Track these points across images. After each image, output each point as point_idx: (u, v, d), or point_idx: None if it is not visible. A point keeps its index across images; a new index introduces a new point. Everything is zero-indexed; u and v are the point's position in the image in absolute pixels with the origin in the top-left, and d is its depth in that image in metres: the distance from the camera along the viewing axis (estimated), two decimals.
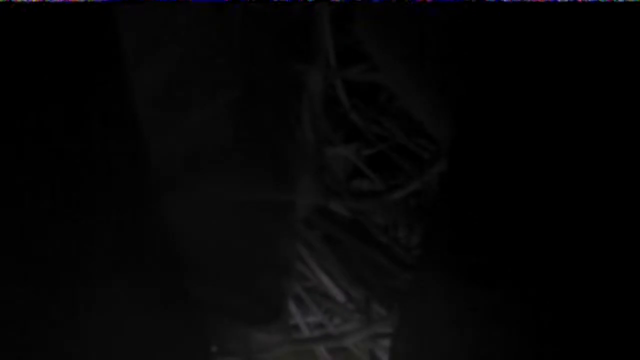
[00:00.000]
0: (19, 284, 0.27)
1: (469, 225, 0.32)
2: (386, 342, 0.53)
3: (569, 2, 0.30)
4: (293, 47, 0.49)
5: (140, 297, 0.30)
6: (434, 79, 0.41)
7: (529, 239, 0.29)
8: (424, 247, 0.36)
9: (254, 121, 0.47)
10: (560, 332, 0.28)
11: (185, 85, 0.45)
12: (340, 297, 0.57)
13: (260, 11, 0.46)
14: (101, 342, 0.29)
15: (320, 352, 0.55)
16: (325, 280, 0.57)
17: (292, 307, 0.56)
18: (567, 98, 0.30)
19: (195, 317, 0.34)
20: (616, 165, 0.28)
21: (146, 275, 0.31)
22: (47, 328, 0.27)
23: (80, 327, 0.28)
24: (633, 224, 0.28)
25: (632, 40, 0.29)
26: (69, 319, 0.28)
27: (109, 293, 0.29)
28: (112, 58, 0.30)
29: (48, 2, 0.28)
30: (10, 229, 0.27)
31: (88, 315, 0.28)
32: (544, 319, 0.28)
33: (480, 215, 0.31)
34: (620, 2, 0.29)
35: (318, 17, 0.50)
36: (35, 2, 0.27)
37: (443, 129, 0.44)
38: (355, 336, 0.53)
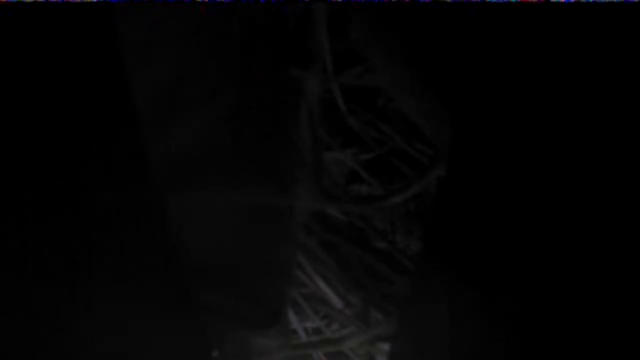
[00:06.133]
0: (19, 286, 0.27)
1: (468, 228, 0.32)
2: (385, 346, 0.53)
3: (569, 2, 0.30)
4: (290, 52, 0.49)
5: (142, 301, 0.30)
6: (432, 81, 0.41)
7: (528, 242, 0.29)
8: (423, 250, 0.36)
9: (252, 126, 0.47)
10: (560, 334, 0.28)
11: (183, 89, 0.45)
12: (338, 303, 0.57)
13: (257, 15, 0.46)
14: (102, 345, 0.28)
15: (319, 356, 0.55)
16: (323, 286, 0.57)
17: (290, 313, 0.56)
18: (567, 101, 0.30)
19: (196, 321, 0.34)
20: (616, 169, 0.28)
21: (147, 279, 0.31)
22: (48, 330, 0.27)
23: (81, 330, 0.28)
24: (632, 229, 0.28)
25: (632, 40, 0.29)
26: (70, 321, 0.28)
27: (110, 296, 0.29)
28: (112, 59, 0.30)
29: (48, 2, 0.28)
30: (10, 229, 0.27)
31: (89, 317, 0.28)
32: (542, 322, 0.28)
33: (479, 218, 0.31)
34: (620, 2, 0.29)
35: (315, 21, 0.50)
36: (35, 2, 0.27)
37: (442, 131, 0.44)
38: (353, 340, 0.53)
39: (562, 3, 0.30)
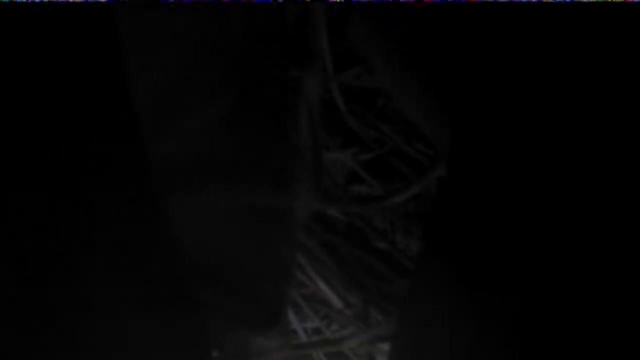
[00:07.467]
0: (17, 286, 0.27)
1: (468, 228, 0.32)
2: (385, 346, 0.53)
3: (569, 2, 0.30)
4: (290, 52, 0.49)
5: (142, 301, 0.30)
6: (432, 81, 0.41)
7: (528, 242, 0.29)
8: (423, 250, 0.36)
9: (252, 126, 0.47)
10: (559, 334, 0.28)
11: (183, 89, 0.45)
12: (338, 303, 0.57)
13: (257, 15, 0.46)
14: (102, 346, 0.28)
15: (319, 357, 0.55)
16: (323, 286, 0.57)
17: (290, 313, 0.56)
18: (567, 101, 0.30)
19: (196, 321, 0.34)
20: (616, 169, 0.28)
21: (148, 279, 0.31)
22: (47, 329, 0.27)
23: (81, 330, 0.28)
24: (632, 228, 0.28)
25: (632, 40, 0.29)
26: (69, 321, 0.28)
27: (110, 296, 0.29)
28: (112, 59, 0.30)
29: (48, 2, 0.28)
30: (10, 229, 0.27)
31: (89, 317, 0.28)
32: (542, 321, 0.28)
33: (479, 218, 0.31)
34: (620, 2, 0.29)
35: (315, 21, 0.50)
36: (35, 2, 0.27)
37: (442, 132, 0.44)
38: (353, 340, 0.53)
39: (562, 3, 0.30)
